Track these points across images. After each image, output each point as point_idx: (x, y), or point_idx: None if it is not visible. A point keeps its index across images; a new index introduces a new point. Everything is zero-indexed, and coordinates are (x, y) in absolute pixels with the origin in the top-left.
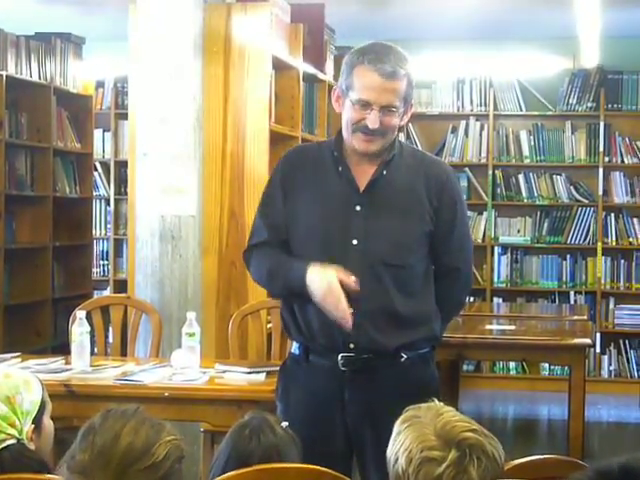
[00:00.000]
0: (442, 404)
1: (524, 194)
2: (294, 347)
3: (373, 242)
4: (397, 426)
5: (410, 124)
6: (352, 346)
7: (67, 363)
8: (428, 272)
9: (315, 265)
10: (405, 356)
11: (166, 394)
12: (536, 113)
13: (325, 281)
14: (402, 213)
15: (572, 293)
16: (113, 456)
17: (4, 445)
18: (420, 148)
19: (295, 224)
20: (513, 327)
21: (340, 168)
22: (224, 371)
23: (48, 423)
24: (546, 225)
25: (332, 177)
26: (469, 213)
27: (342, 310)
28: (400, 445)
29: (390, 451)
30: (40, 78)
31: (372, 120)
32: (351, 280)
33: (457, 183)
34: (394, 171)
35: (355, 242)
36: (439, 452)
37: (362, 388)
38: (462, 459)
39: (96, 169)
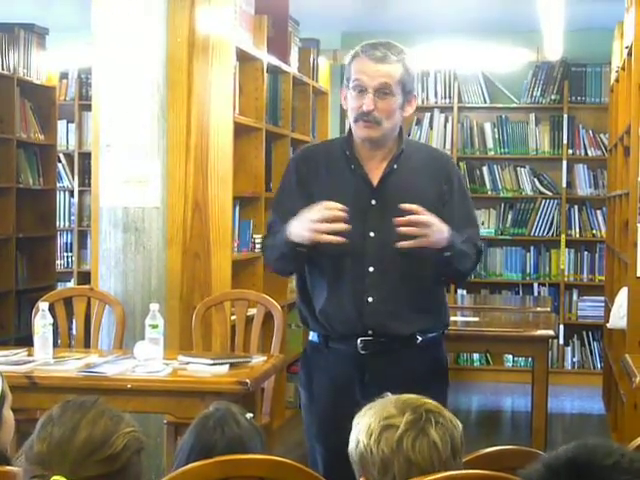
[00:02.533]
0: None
1: (488, 186)
2: (312, 336)
3: (389, 233)
4: (356, 418)
5: None
6: (370, 332)
7: (30, 355)
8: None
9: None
10: (420, 339)
11: (129, 386)
12: (500, 105)
13: (303, 226)
14: (415, 203)
15: (536, 285)
16: (71, 447)
17: None
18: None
19: None
20: (477, 319)
21: (352, 166)
22: (187, 363)
23: (8, 415)
24: (510, 217)
25: (345, 174)
26: None
27: (321, 215)
28: (359, 428)
29: (350, 442)
30: (3, 69)
31: (367, 102)
32: (334, 209)
33: (459, 169)
34: (404, 164)
35: (372, 234)
36: (396, 418)
37: (381, 369)
38: (418, 421)
39: (60, 160)
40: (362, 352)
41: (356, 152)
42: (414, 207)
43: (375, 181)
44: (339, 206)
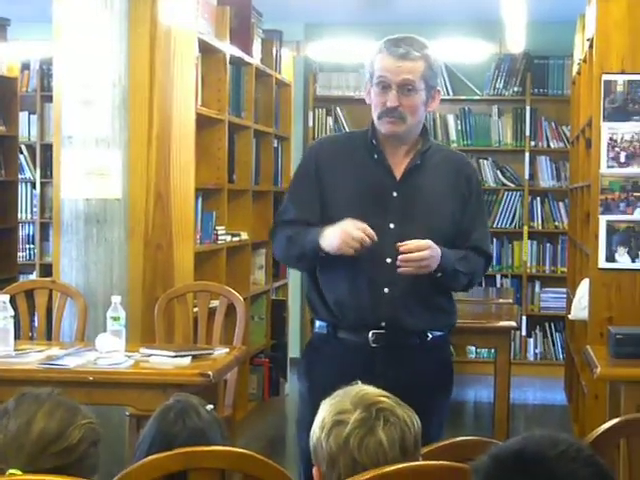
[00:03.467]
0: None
1: None
2: (319, 326)
3: (409, 226)
4: (322, 404)
5: (338, 108)
6: (383, 324)
7: None
8: None
9: (327, 228)
10: (431, 336)
11: (90, 378)
12: (463, 97)
13: (337, 228)
14: (436, 200)
15: (498, 276)
16: (27, 440)
17: None
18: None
19: (333, 208)
20: None
21: (376, 156)
22: (149, 355)
23: None
24: None
25: (368, 165)
26: None
27: (358, 235)
28: (318, 417)
29: (310, 433)
30: None
31: (391, 98)
32: (368, 231)
33: (478, 173)
34: (427, 161)
35: (392, 226)
36: (348, 414)
37: (391, 363)
38: (368, 419)
39: (22, 152)
40: (373, 345)
41: (380, 144)
42: (412, 246)
43: (398, 174)
44: (370, 232)
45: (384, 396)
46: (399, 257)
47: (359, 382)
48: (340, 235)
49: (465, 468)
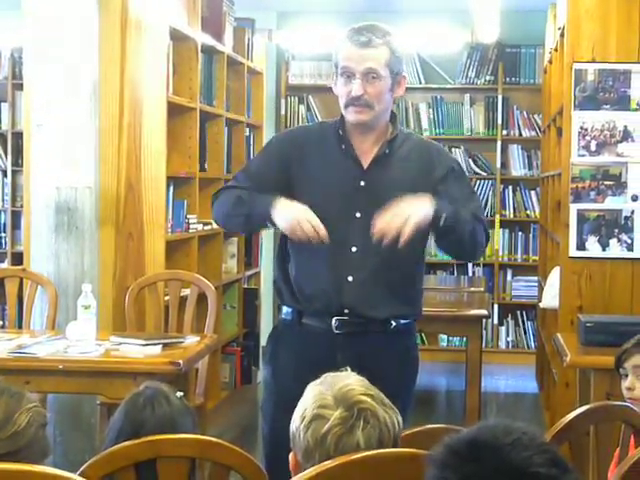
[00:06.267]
0: (354, 373)
1: None
2: (285, 312)
3: (375, 215)
4: (309, 386)
5: (310, 96)
6: (347, 311)
7: None
8: (423, 249)
9: (284, 199)
10: (394, 324)
11: (61, 367)
12: (435, 86)
13: (292, 216)
14: (403, 189)
15: (470, 265)
16: None
17: None
18: (320, 120)
19: (302, 197)
20: None
21: (343, 146)
22: (120, 343)
23: None
24: None
25: (336, 154)
26: None
27: (313, 237)
28: (301, 404)
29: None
30: None
31: (355, 88)
32: (320, 229)
33: (453, 158)
34: (395, 150)
35: (358, 215)
36: (329, 410)
37: (354, 351)
38: (348, 419)
39: None
40: (336, 331)
41: (348, 134)
42: (380, 224)
43: (365, 163)
44: (322, 232)
45: (368, 395)
46: (376, 230)
47: (348, 369)
48: (291, 222)
49: (413, 453)
